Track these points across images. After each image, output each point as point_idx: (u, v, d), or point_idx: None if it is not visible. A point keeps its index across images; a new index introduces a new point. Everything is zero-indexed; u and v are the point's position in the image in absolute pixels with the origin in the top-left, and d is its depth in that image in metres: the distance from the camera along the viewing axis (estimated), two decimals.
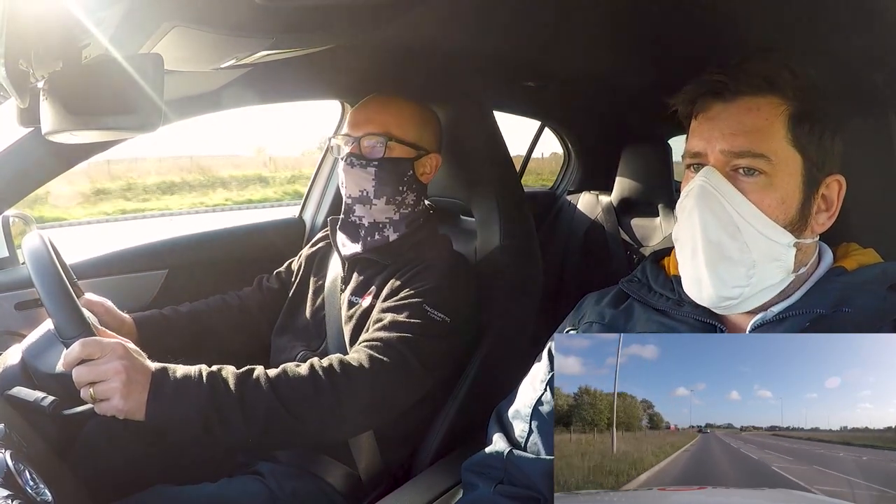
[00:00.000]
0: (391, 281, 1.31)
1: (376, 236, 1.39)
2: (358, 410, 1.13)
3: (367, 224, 1.39)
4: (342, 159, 1.37)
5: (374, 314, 1.27)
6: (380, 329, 1.21)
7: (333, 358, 1.14)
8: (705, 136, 0.84)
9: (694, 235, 0.83)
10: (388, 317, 1.22)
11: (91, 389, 0.94)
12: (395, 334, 1.19)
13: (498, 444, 1.00)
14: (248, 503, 1.25)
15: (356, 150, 1.35)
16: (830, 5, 1.02)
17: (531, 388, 1.01)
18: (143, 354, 1.02)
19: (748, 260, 0.81)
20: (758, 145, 0.80)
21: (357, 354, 1.16)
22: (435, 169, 1.43)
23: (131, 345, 1.00)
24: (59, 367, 0.99)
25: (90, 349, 0.95)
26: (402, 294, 1.26)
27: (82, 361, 0.95)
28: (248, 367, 1.08)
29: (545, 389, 0.98)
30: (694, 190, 0.83)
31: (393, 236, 1.39)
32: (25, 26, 0.73)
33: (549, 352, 1.02)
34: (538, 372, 1.02)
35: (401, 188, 1.36)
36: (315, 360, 1.13)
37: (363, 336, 1.23)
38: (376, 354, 1.15)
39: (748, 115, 0.82)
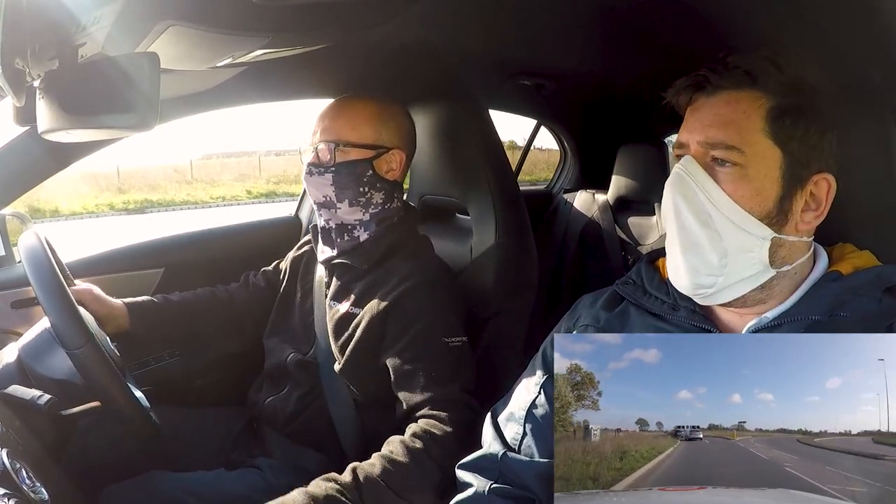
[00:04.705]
0: (377, 300, 1.28)
1: (346, 237, 1.38)
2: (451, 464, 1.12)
3: (334, 226, 1.39)
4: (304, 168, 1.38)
5: (394, 363, 1.25)
6: (424, 389, 1.20)
7: (418, 433, 1.14)
8: (688, 128, 0.87)
9: (669, 221, 0.86)
10: (421, 371, 1.21)
11: None
12: (440, 388, 1.19)
13: (492, 445, 0.99)
14: (244, 491, 1.26)
15: (315, 158, 1.36)
16: (829, 2, 1.02)
17: (525, 391, 1.00)
18: None
19: (720, 248, 0.82)
20: (731, 137, 0.81)
21: (428, 424, 1.16)
22: (401, 165, 1.41)
23: None
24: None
25: None
26: (413, 332, 1.25)
27: None
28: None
29: (539, 392, 0.97)
30: (672, 177, 0.86)
31: (364, 236, 1.38)
32: (21, 25, 0.73)
33: (544, 354, 1.01)
34: (533, 374, 1.01)
35: (362, 189, 1.35)
36: (406, 439, 1.14)
37: (414, 401, 1.21)
38: (441, 413, 1.16)
39: (726, 107, 0.83)
